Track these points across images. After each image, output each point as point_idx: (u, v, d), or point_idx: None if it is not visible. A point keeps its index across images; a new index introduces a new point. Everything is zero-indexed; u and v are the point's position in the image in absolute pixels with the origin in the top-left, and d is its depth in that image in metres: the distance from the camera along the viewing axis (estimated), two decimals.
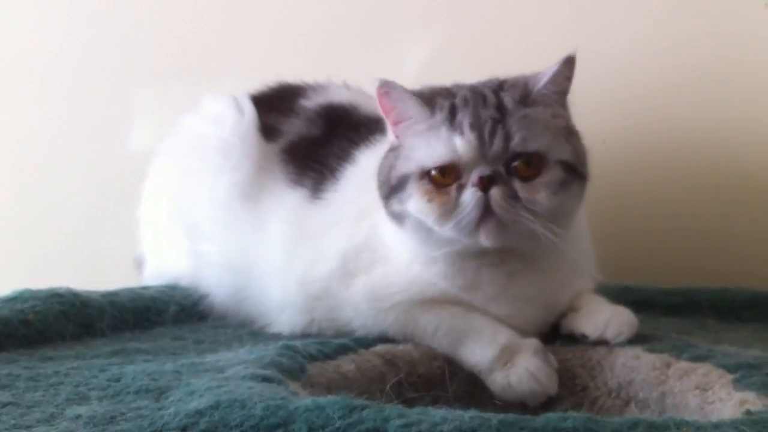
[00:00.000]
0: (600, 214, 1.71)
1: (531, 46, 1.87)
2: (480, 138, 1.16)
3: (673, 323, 1.47)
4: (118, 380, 1.01)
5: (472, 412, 0.80)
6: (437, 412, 0.81)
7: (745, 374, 1.04)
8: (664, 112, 1.86)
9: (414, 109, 1.23)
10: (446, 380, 1.24)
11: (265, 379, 0.98)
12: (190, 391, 0.93)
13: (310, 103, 1.55)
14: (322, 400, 0.84)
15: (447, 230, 1.18)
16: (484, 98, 1.21)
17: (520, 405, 1.18)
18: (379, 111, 1.27)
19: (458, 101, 1.21)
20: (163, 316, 1.46)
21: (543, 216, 1.16)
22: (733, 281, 1.65)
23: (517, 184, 1.16)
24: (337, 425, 0.79)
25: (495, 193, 1.14)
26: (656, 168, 1.87)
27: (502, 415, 0.80)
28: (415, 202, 1.19)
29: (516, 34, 1.94)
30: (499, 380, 1.19)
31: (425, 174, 1.19)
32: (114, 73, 2.18)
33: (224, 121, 1.53)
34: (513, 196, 1.15)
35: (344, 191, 1.38)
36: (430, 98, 1.23)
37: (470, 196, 1.15)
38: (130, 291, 1.48)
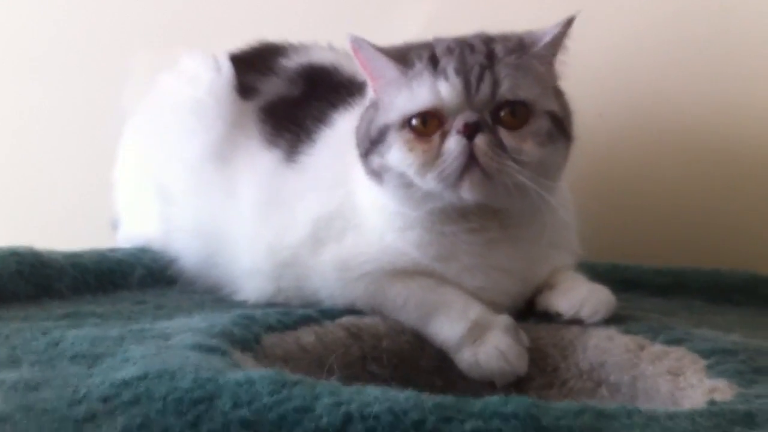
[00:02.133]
0: (591, 189, 1.68)
1: (529, 14, 1.80)
2: (466, 82, 1.12)
3: (658, 304, 1.44)
4: (56, 345, 0.97)
5: (407, 393, 0.76)
6: (372, 392, 0.76)
7: (719, 360, 1.01)
8: (661, 87, 1.81)
9: (387, 68, 1.19)
10: (415, 355, 1.20)
11: (209, 349, 0.94)
12: (124, 359, 0.90)
13: (291, 62, 1.50)
14: (254, 373, 0.80)
15: (429, 181, 1.12)
16: (472, 47, 1.17)
17: (489, 384, 1.14)
18: (359, 69, 1.23)
19: (439, 51, 1.17)
20: (128, 279, 1.42)
21: (529, 167, 1.11)
22: (726, 262, 1.61)
23: (503, 133, 1.11)
24: (264, 401, 0.75)
25: (480, 140, 1.09)
26: (652, 144, 1.82)
27: (438, 397, 0.75)
28: (396, 152, 1.14)
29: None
30: (466, 358, 1.15)
31: (406, 122, 1.14)
32: (108, 36, 2.15)
33: (199, 80, 1.49)
34: (499, 145, 1.10)
35: (320, 155, 1.34)
36: (404, 54, 1.19)
37: (454, 143, 1.10)
38: (96, 252, 1.44)
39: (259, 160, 1.38)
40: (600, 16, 1.78)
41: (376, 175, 1.19)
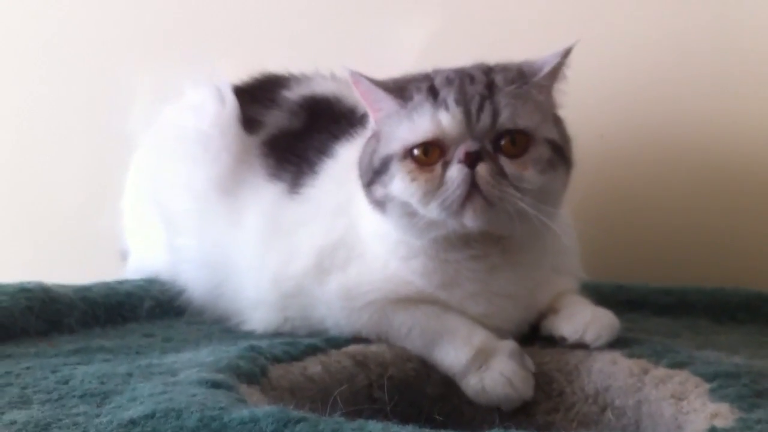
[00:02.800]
0: (595, 209, 1.69)
1: (528, 34, 1.83)
2: (466, 112, 1.13)
3: (663, 324, 1.45)
4: (66, 383, 0.98)
5: (408, 428, 0.77)
6: (373, 427, 0.77)
7: (722, 384, 1.01)
8: (662, 107, 1.82)
9: (385, 101, 1.20)
10: (421, 382, 1.21)
11: (215, 385, 0.95)
12: (132, 396, 0.91)
13: (293, 94, 1.52)
14: (259, 411, 0.81)
15: (432, 210, 1.13)
16: (472, 77, 1.18)
17: (495, 409, 1.15)
18: (360, 100, 1.25)
19: (438, 81, 1.18)
20: (137, 311, 1.44)
21: (530, 194, 1.12)
22: (730, 281, 1.60)
23: (505, 161, 1.12)
24: None
25: (482, 168, 1.10)
26: (653, 164, 1.82)
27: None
28: (399, 182, 1.16)
29: (513, 20, 1.89)
30: (473, 384, 1.16)
31: (408, 153, 1.15)
32: (110, 54, 2.16)
33: (205, 113, 1.50)
34: (500, 173, 1.11)
35: (322, 186, 1.35)
36: (402, 87, 1.20)
37: (456, 171, 1.11)
38: (105, 285, 1.46)
39: (263, 192, 1.40)
40: (599, 37, 1.80)
41: (380, 204, 1.20)
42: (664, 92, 1.81)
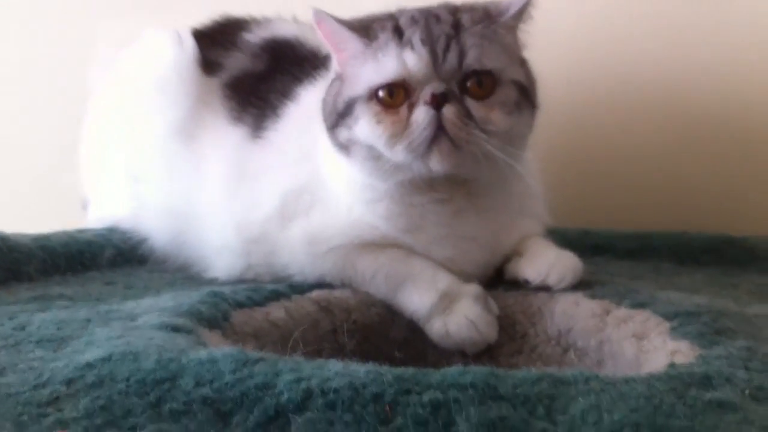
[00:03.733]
0: (562, 155, 1.68)
1: None
2: (432, 53, 1.11)
3: (627, 267, 1.45)
4: (23, 329, 0.97)
5: (368, 366, 0.76)
6: (333, 367, 0.77)
7: (682, 322, 1.01)
8: (628, 50, 1.81)
9: (350, 41, 1.18)
10: (385, 327, 1.20)
11: (175, 329, 0.94)
12: (90, 341, 0.90)
13: (254, 37, 1.48)
14: (217, 352, 0.80)
15: (398, 153, 1.12)
16: (437, 17, 1.16)
17: (460, 353, 1.15)
18: (323, 41, 1.22)
19: (403, 21, 1.16)
20: (98, 260, 1.42)
21: (497, 136, 1.11)
22: (696, 226, 1.61)
23: (471, 103, 1.11)
24: (225, 379, 0.75)
25: (448, 110, 1.09)
26: (619, 109, 1.82)
27: (398, 370, 0.76)
28: (364, 125, 1.14)
29: None
30: (436, 328, 1.15)
31: (373, 95, 1.14)
32: (75, 5, 2.11)
33: (162, 56, 1.47)
34: (467, 115, 1.10)
35: (285, 130, 1.33)
36: (367, 26, 1.18)
37: (422, 114, 1.09)
38: (65, 234, 1.43)
39: (225, 136, 1.37)
40: None
41: (344, 148, 1.19)
42: (630, 35, 1.80)
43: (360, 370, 0.75)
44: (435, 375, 0.75)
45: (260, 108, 1.36)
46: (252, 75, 1.43)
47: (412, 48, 1.12)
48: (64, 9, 2.12)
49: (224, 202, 1.34)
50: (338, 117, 1.18)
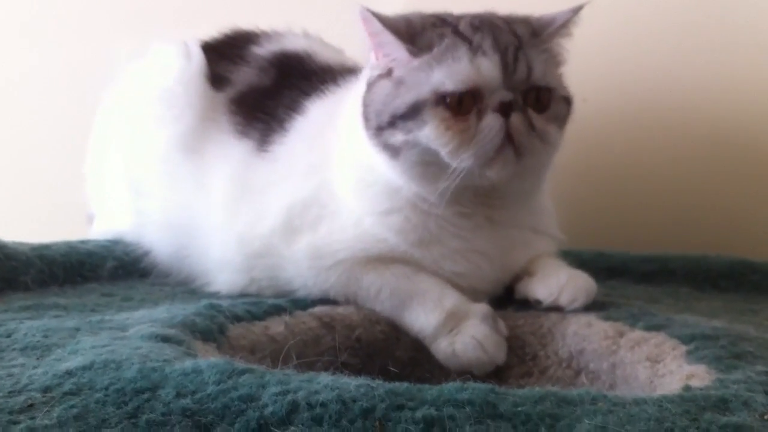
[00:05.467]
0: (578, 175, 1.64)
1: None
2: (504, 62, 1.10)
3: (643, 290, 1.41)
4: (8, 336, 0.94)
5: (359, 380, 0.72)
6: (322, 380, 0.73)
7: (699, 346, 0.97)
8: (645, 72, 1.77)
9: (395, 47, 1.15)
10: (390, 346, 1.17)
11: (165, 339, 0.90)
12: (74, 350, 0.86)
13: (263, 50, 1.46)
14: (203, 362, 0.77)
15: (463, 160, 1.10)
16: (497, 25, 1.14)
17: (467, 374, 1.10)
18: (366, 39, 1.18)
19: (463, 26, 1.14)
20: (98, 272, 1.38)
21: (551, 149, 1.15)
22: (714, 249, 1.56)
23: (533, 115, 1.12)
24: (208, 391, 0.71)
25: (516, 119, 1.09)
26: (637, 129, 1.78)
27: (391, 384, 0.72)
28: (431, 130, 1.10)
29: None
30: (443, 348, 1.12)
31: (441, 99, 1.10)
32: (97, 23, 2.11)
33: (169, 69, 1.45)
34: (530, 125, 1.11)
35: (293, 144, 1.30)
36: (415, 33, 1.15)
37: (492, 121, 1.09)
38: (65, 244, 1.40)
39: (230, 150, 1.35)
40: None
41: (393, 150, 1.15)
42: (649, 55, 1.76)
43: (350, 383, 0.71)
44: (430, 390, 0.71)
45: (266, 122, 1.34)
46: (259, 89, 1.40)
47: (485, 54, 1.10)
48: (79, 25, 2.11)
49: (228, 216, 1.31)
50: (394, 118, 1.14)
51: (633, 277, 1.49)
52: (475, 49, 1.10)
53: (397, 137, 1.14)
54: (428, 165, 1.13)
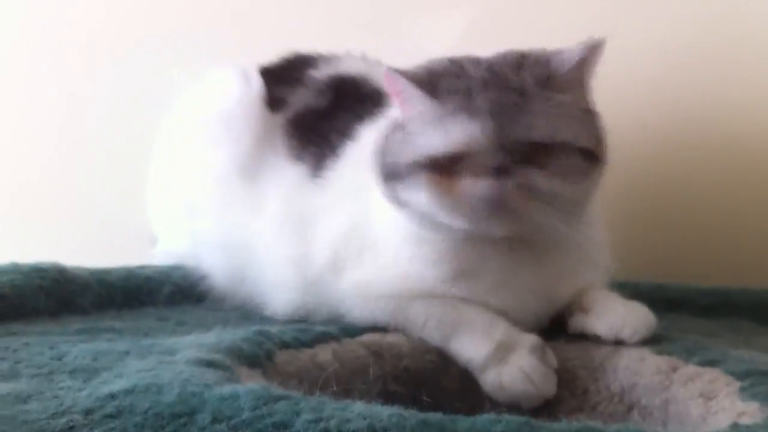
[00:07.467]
0: (637, 204, 1.61)
1: (564, 22, 1.76)
2: (498, 125, 1.06)
3: (703, 324, 1.37)
4: (60, 359, 0.96)
5: (391, 410, 0.72)
6: (356, 408, 0.72)
7: (753, 382, 0.94)
8: (708, 98, 1.72)
9: (418, 100, 1.13)
10: (438, 376, 1.16)
11: (209, 364, 0.91)
12: (120, 373, 0.87)
13: (320, 74, 1.48)
14: (241, 388, 0.77)
15: (457, 221, 1.10)
16: (504, 79, 1.11)
17: (516, 407, 1.09)
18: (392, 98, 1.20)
19: (473, 84, 1.11)
20: (156, 296, 1.41)
21: (560, 206, 1.09)
22: None
23: (535, 173, 1.07)
24: (244, 417, 0.71)
25: (509, 184, 1.06)
26: (698, 158, 1.73)
27: (424, 414, 0.71)
28: (422, 194, 1.11)
29: (549, 9, 1.82)
30: (491, 379, 1.10)
31: (434, 162, 1.10)
32: (153, 49, 2.13)
33: (228, 92, 1.48)
34: (528, 187, 1.07)
35: (342, 171, 1.31)
36: (435, 83, 1.13)
37: (483, 187, 1.06)
38: (125, 269, 1.43)
39: (285, 174, 1.36)
40: (642, 22, 1.73)
41: (398, 202, 1.16)
42: (711, 82, 1.72)
43: (383, 412, 0.71)
44: (464, 421, 0.70)
45: (320, 146, 1.35)
46: (315, 111, 1.42)
47: (480, 119, 1.07)
48: (140, 53, 2.15)
49: (282, 242, 1.32)
50: (394, 174, 1.15)
51: (693, 310, 1.46)
52: (472, 113, 1.08)
53: (399, 193, 1.15)
54: (433, 217, 1.13)
